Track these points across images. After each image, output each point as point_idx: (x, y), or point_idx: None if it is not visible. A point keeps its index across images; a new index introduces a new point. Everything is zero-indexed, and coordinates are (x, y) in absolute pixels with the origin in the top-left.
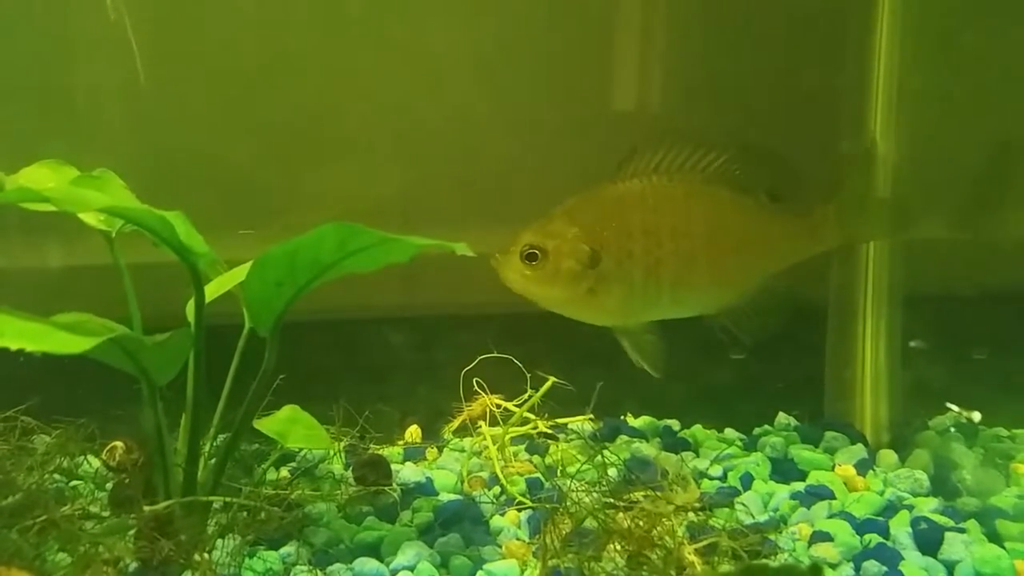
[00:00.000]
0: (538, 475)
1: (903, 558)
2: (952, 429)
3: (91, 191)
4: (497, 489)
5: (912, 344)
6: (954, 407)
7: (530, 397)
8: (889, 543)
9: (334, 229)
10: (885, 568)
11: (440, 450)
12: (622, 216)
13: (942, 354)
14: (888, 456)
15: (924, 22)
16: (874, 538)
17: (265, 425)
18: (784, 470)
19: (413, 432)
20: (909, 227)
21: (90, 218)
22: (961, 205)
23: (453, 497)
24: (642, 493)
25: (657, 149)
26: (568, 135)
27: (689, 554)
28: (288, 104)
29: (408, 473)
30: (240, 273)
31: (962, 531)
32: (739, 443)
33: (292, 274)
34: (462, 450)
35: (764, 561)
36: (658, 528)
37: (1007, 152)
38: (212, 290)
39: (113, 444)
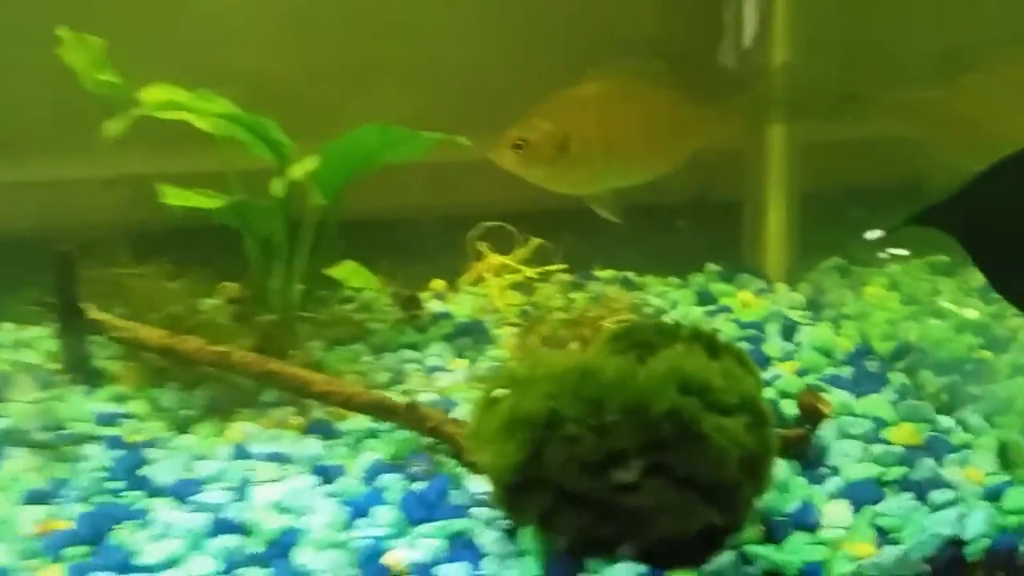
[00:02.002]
0: (526, 306)
1: (766, 341)
2: (831, 269)
3: (209, 103)
4: (498, 315)
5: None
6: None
7: (519, 254)
8: (761, 335)
9: (376, 127)
10: (752, 346)
11: (457, 293)
12: (583, 111)
13: (828, 218)
14: (780, 287)
15: None
16: (752, 332)
17: (334, 271)
18: (704, 299)
19: (438, 284)
20: (796, 118)
21: (203, 123)
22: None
23: (467, 320)
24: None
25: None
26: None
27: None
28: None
29: (434, 306)
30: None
31: (812, 325)
32: (676, 284)
33: (348, 158)
34: (473, 293)
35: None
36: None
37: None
38: (295, 171)
39: (226, 284)
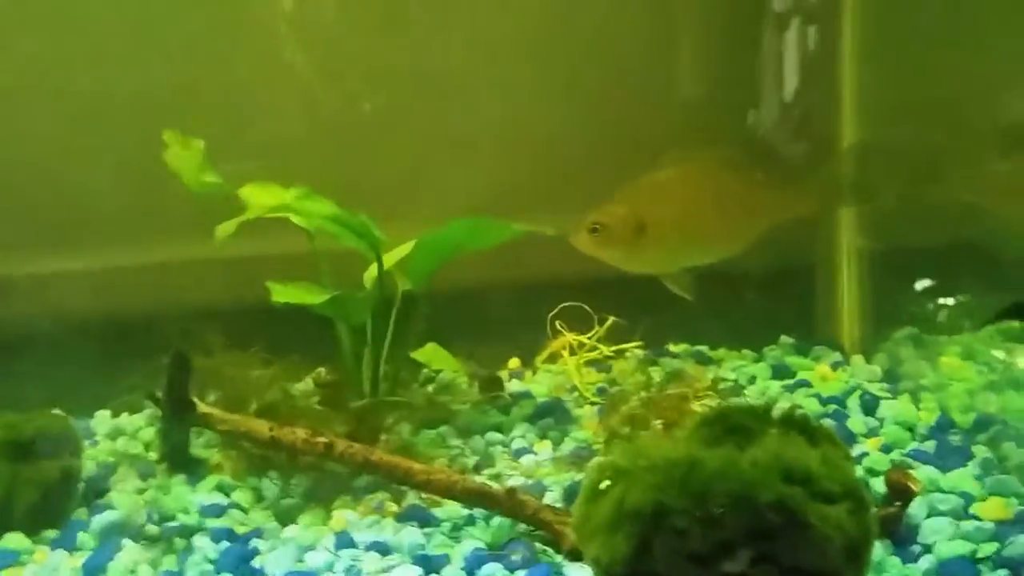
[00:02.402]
0: (603, 383)
1: (849, 416)
2: (906, 339)
3: (314, 203)
4: (577, 393)
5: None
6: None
7: (596, 332)
8: (843, 409)
9: (469, 220)
10: (835, 422)
11: (535, 372)
12: (657, 196)
13: (900, 287)
14: (857, 359)
15: (882, 34)
16: (833, 407)
17: (417, 354)
18: (780, 372)
19: (514, 362)
20: (869, 200)
21: (307, 223)
22: (906, 182)
23: (547, 399)
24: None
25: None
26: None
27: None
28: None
29: (514, 386)
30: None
31: (892, 399)
32: (750, 358)
33: (439, 248)
34: (550, 371)
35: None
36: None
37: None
38: (387, 262)
39: (319, 369)
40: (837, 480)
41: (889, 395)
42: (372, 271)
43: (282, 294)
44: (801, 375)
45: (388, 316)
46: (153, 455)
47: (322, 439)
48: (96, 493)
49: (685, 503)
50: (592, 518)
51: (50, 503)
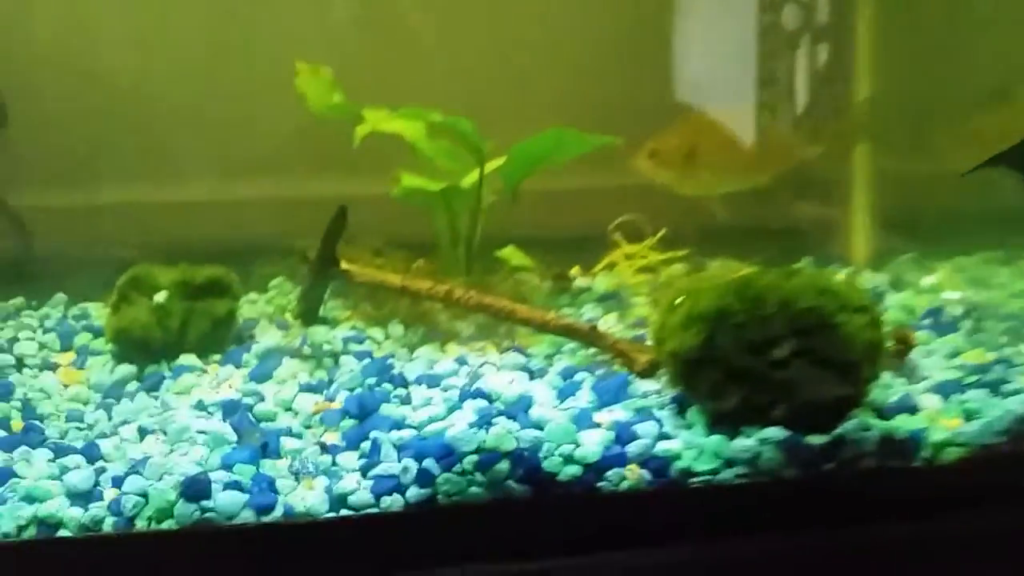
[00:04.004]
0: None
1: None
2: (909, 259)
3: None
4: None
5: None
6: None
7: (648, 241)
8: None
9: (555, 131)
10: None
11: (594, 277)
12: (705, 131)
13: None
14: (868, 272)
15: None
16: None
17: (500, 252)
18: None
19: (575, 270)
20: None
21: (415, 130)
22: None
23: (607, 291)
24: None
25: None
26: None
27: None
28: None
29: (578, 283)
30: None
31: (896, 294)
32: None
33: (529, 157)
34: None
35: None
36: None
37: None
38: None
39: (419, 260)
40: (857, 299)
41: (893, 291)
42: (472, 175)
43: (409, 180)
44: None
45: (480, 214)
46: (288, 314)
47: (443, 286)
48: (246, 337)
49: (743, 306)
50: (668, 324)
51: (216, 333)
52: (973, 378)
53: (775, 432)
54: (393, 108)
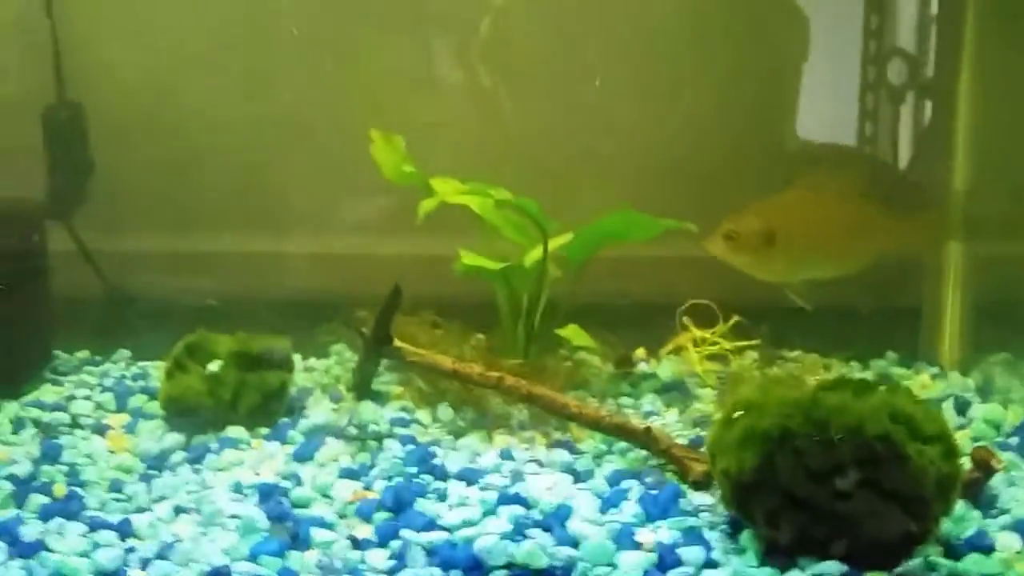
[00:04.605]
0: (723, 371)
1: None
2: (1000, 362)
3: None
4: (698, 379)
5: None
6: None
7: (719, 328)
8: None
9: (623, 213)
10: None
11: (659, 361)
12: (788, 212)
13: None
14: (954, 375)
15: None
16: None
17: (561, 331)
18: (884, 380)
19: (640, 352)
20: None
21: (482, 206)
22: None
23: (671, 380)
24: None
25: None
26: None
27: None
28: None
29: (640, 368)
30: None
31: (983, 403)
32: (857, 368)
33: (595, 237)
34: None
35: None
36: None
37: None
38: (553, 244)
39: (478, 335)
40: (933, 427)
41: (980, 403)
42: (536, 252)
43: (469, 259)
44: (903, 383)
45: (542, 293)
46: (342, 386)
47: (495, 373)
48: (297, 409)
49: (807, 429)
50: (725, 439)
51: (267, 406)
52: None
53: (833, 567)
54: (463, 179)
